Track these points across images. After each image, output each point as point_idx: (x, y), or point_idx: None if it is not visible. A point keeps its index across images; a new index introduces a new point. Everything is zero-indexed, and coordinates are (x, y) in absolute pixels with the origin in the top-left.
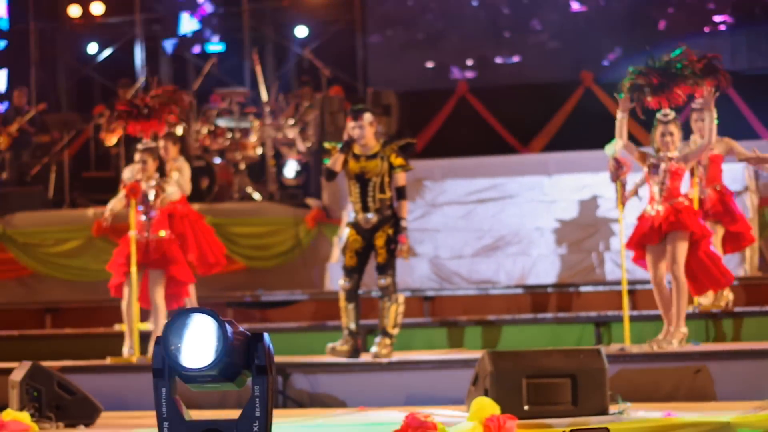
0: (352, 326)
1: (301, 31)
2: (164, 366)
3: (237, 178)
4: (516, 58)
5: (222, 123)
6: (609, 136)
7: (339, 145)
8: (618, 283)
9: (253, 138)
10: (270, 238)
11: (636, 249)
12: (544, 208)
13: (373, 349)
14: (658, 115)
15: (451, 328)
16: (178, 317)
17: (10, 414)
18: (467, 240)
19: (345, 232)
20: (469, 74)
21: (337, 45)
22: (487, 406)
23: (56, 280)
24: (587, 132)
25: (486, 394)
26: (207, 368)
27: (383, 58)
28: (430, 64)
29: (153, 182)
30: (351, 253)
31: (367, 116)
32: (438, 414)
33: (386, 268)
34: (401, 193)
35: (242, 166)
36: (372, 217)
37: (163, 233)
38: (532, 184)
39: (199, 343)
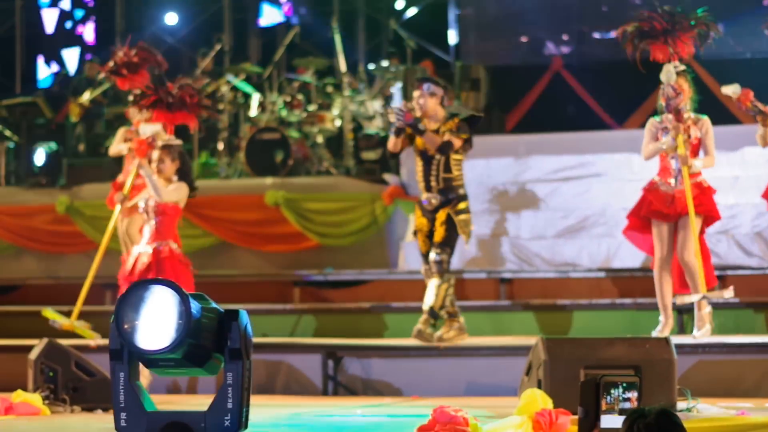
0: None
1: (394, 4)
2: (123, 347)
3: (313, 151)
4: (614, 34)
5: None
6: (711, 114)
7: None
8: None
9: (333, 111)
10: (345, 215)
11: (638, 220)
12: (633, 187)
13: (438, 332)
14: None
15: (523, 312)
16: (134, 290)
17: (21, 395)
18: (550, 220)
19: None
20: (565, 49)
21: (428, 18)
22: (538, 398)
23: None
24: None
25: (539, 385)
26: (167, 350)
27: (475, 33)
28: (524, 39)
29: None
30: (422, 238)
31: (429, 86)
32: (489, 406)
33: (442, 245)
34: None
35: (319, 140)
36: (434, 198)
37: (173, 245)
38: (621, 162)
39: (159, 321)
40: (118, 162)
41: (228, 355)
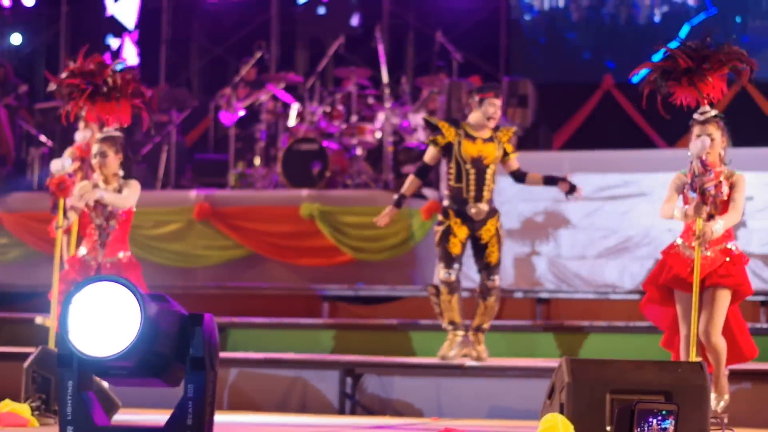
0: (458, 320)
1: (441, 18)
2: (72, 353)
3: (352, 164)
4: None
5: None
6: (763, 134)
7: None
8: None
9: (375, 122)
10: (381, 230)
11: (656, 292)
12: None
13: (470, 350)
14: (695, 114)
15: (558, 333)
16: (83, 287)
17: (8, 405)
18: (592, 239)
19: (438, 220)
20: (616, 69)
21: (479, 33)
22: (558, 424)
23: (152, 264)
24: (738, 128)
25: (561, 410)
26: (119, 358)
27: (526, 48)
28: (573, 57)
29: (115, 185)
30: (455, 241)
31: (496, 101)
32: (510, 429)
33: (497, 267)
34: (521, 176)
35: (359, 152)
36: (485, 207)
37: (122, 254)
38: (667, 182)
39: (111, 324)
40: (153, 168)
41: (189, 364)
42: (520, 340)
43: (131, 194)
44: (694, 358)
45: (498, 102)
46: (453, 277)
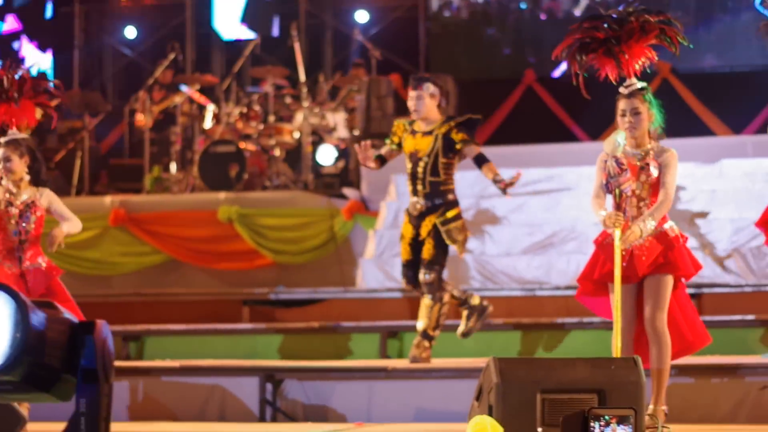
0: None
1: (361, 17)
2: None
3: (271, 165)
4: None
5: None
6: (688, 126)
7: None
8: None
9: (293, 122)
10: (302, 231)
11: (590, 285)
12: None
13: (411, 352)
14: (620, 88)
15: (484, 331)
16: None
17: None
18: (517, 236)
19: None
20: (537, 63)
21: (398, 32)
22: (487, 426)
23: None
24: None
25: (490, 411)
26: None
27: (445, 45)
28: (494, 53)
29: (25, 196)
30: (405, 245)
31: (429, 86)
32: None
33: (431, 263)
34: (482, 160)
35: (277, 153)
36: (419, 202)
37: (40, 260)
38: (593, 175)
39: None
40: (67, 175)
41: (81, 376)
42: (445, 340)
43: (63, 207)
44: (618, 353)
45: (413, 93)
46: (406, 285)
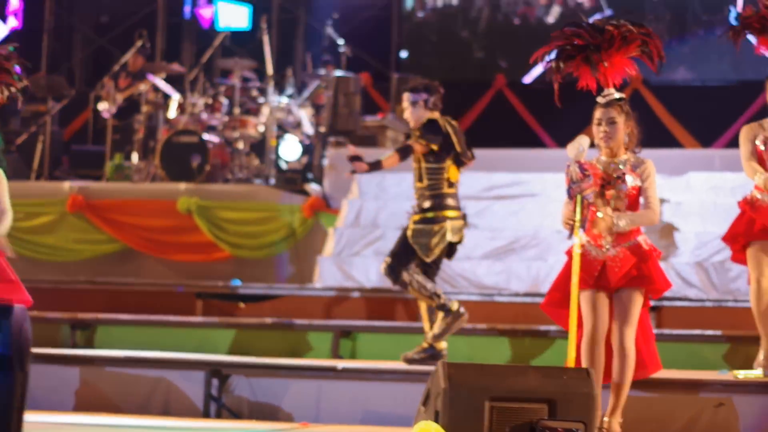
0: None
1: (332, 13)
2: None
3: (233, 158)
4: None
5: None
6: (655, 137)
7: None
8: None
9: (258, 116)
10: (261, 226)
11: (559, 295)
12: None
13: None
14: (598, 97)
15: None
16: None
17: None
18: (478, 240)
19: None
20: (508, 68)
21: (370, 30)
22: None
23: (21, 258)
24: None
25: (436, 418)
26: None
27: (417, 46)
28: (466, 55)
29: None
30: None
31: (405, 95)
32: None
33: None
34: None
35: (241, 146)
36: (414, 204)
37: None
38: (558, 183)
39: None
40: (27, 159)
41: None
42: (401, 342)
43: (5, 197)
44: (572, 363)
45: (403, 98)
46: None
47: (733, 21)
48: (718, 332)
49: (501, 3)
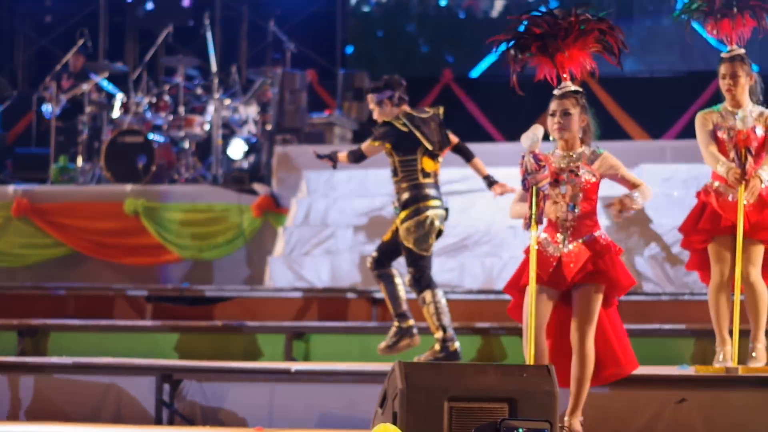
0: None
1: (275, 9)
2: None
3: (179, 157)
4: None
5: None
6: (604, 131)
7: None
8: None
9: (204, 114)
10: (209, 227)
11: (519, 295)
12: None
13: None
14: (555, 90)
15: None
16: None
17: None
18: None
19: None
20: (455, 63)
21: (315, 26)
22: None
23: None
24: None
25: (394, 419)
26: None
27: (362, 42)
28: (412, 50)
29: None
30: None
31: (369, 97)
32: None
33: (406, 265)
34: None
35: (186, 145)
36: (394, 203)
37: None
38: (509, 177)
39: None
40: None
41: None
42: (354, 342)
43: None
44: (531, 360)
45: (368, 99)
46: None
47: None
48: (681, 326)
49: None
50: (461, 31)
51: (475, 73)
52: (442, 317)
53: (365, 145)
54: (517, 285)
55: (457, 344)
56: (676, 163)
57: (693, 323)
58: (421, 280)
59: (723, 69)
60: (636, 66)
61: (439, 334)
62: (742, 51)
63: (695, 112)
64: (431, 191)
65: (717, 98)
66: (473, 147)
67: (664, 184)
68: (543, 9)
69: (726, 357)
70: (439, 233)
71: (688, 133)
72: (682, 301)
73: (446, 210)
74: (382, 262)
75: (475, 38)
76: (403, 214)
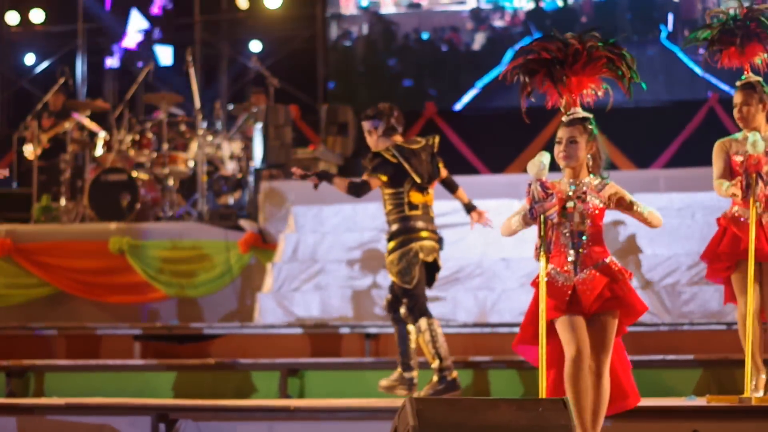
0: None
1: (255, 46)
2: None
3: (164, 195)
4: (501, 76)
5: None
6: None
7: None
8: None
9: (188, 151)
10: (196, 264)
11: (530, 330)
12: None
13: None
14: (563, 117)
15: (388, 370)
16: None
17: None
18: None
19: None
20: (438, 96)
21: (296, 62)
22: None
23: None
24: None
25: None
26: None
27: (344, 76)
28: (394, 84)
29: None
30: None
31: (363, 124)
32: None
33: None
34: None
35: (171, 182)
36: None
37: None
38: (501, 209)
39: None
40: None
41: None
42: (349, 378)
43: None
44: (544, 393)
45: (362, 126)
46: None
47: (663, 41)
48: (688, 357)
49: (427, 29)
50: (444, 64)
51: (458, 106)
52: (438, 346)
53: (372, 180)
54: (534, 320)
55: (455, 373)
56: (669, 192)
57: (694, 353)
58: (415, 309)
59: (735, 97)
60: (621, 96)
61: (435, 363)
62: (756, 78)
63: (682, 142)
64: (419, 223)
65: (704, 128)
66: (458, 179)
67: (658, 213)
68: (527, 39)
69: (759, 386)
70: (436, 265)
71: (678, 162)
72: (681, 331)
73: (440, 240)
74: (394, 305)
75: (458, 71)
76: (390, 246)
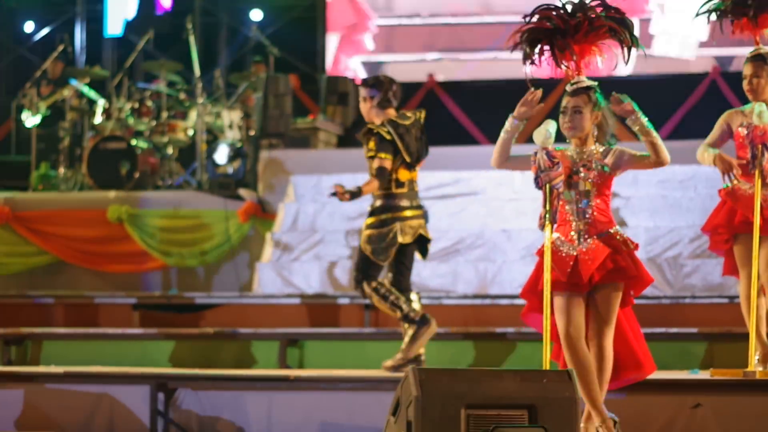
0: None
1: (256, 15)
2: None
3: (163, 163)
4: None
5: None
6: None
7: None
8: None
9: (187, 120)
10: (195, 233)
11: (536, 299)
12: (513, 207)
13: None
14: (567, 86)
15: (388, 341)
16: None
17: None
18: None
19: None
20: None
21: (295, 32)
22: None
23: None
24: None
25: (408, 428)
26: None
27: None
28: (396, 55)
29: None
30: None
31: (361, 90)
32: None
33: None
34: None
35: (170, 151)
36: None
37: None
38: (501, 180)
39: None
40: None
41: None
42: (348, 349)
43: None
44: (547, 365)
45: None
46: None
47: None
48: (693, 330)
49: None
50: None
51: (459, 76)
52: (393, 299)
53: (383, 162)
54: (534, 289)
55: (420, 310)
56: (672, 165)
57: (695, 327)
58: (362, 279)
59: (744, 69)
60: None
61: (398, 314)
62: (766, 50)
63: (683, 115)
64: (403, 201)
65: (706, 100)
66: (457, 150)
67: (660, 185)
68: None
69: (763, 360)
70: (423, 239)
71: (680, 134)
72: (683, 304)
73: (425, 215)
74: (360, 282)
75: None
76: (369, 221)
